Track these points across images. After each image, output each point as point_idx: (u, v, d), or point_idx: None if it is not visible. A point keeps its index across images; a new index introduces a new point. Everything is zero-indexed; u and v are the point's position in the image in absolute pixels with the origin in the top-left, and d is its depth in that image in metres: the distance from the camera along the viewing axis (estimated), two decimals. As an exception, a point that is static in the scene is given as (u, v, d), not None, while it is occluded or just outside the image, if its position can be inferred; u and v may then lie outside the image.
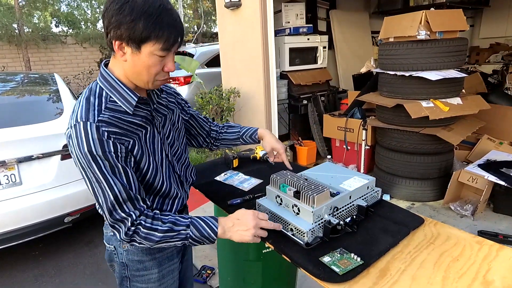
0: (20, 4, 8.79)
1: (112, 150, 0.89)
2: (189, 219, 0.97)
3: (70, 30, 9.86)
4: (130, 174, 0.93)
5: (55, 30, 9.85)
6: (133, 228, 0.92)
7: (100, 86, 0.96)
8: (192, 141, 1.37)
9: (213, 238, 0.97)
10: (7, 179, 2.29)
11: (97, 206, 0.97)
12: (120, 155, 0.91)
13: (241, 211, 1.01)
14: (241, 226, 0.97)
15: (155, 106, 1.07)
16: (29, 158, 2.34)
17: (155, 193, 1.05)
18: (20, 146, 2.33)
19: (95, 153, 0.87)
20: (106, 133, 0.88)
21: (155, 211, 0.97)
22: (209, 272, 2.32)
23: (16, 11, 8.50)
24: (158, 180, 1.04)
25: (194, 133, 1.34)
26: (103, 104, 0.92)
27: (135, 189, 0.94)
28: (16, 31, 8.58)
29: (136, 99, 0.96)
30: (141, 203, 0.95)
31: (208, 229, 0.97)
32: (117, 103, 0.94)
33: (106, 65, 0.99)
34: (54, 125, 2.50)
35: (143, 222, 0.93)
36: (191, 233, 0.95)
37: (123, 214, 0.92)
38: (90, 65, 9.85)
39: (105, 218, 0.95)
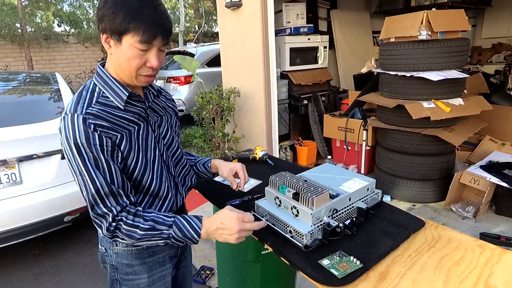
0: (23, 3, 8.80)
1: (98, 143, 0.89)
2: (173, 219, 0.95)
3: (72, 30, 9.89)
4: (113, 168, 0.92)
5: (57, 29, 9.89)
6: (114, 224, 0.91)
7: (94, 82, 0.98)
8: None
9: (196, 240, 0.95)
10: (7, 178, 2.29)
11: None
12: (106, 148, 0.91)
13: (225, 214, 0.96)
14: (225, 230, 0.94)
15: (150, 104, 1.07)
16: (30, 157, 2.34)
17: (144, 192, 1.04)
18: (20, 145, 2.33)
19: (80, 145, 0.88)
20: (92, 125, 0.89)
21: (137, 208, 0.95)
22: (208, 272, 2.31)
23: (19, 10, 8.52)
24: (147, 177, 1.02)
25: None
26: (94, 99, 0.94)
27: (118, 184, 0.92)
28: (19, 30, 8.62)
29: (127, 94, 0.97)
30: (124, 199, 0.94)
31: (192, 230, 0.94)
32: (109, 98, 0.96)
33: (103, 65, 1.01)
34: (55, 124, 2.49)
35: (124, 219, 0.91)
36: (173, 233, 0.93)
37: (104, 209, 0.91)
38: (91, 64, 9.87)
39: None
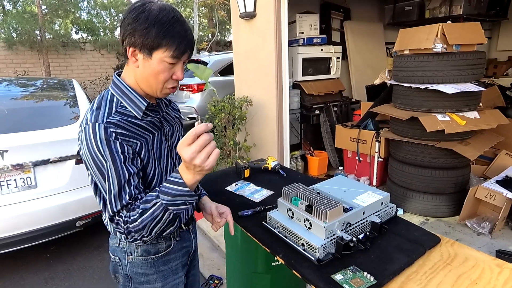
0: (43, 11, 9.08)
1: (119, 150, 0.91)
2: (158, 188, 0.90)
3: (89, 37, 10.12)
4: (132, 176, 0.93)
5: (74, 36, 10.13)
6: (125, 226, 0.91)
7: (111, 93, 1.01)
8: None
9: (187, 192, 0.87)
10: (23, 181, 2.34)
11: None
12: (127, 156, 0.93)
13: (183, 149, 0.82)
14: (194, 160, 0.81)
15: (163, 114, 1.10)
16: (45, 162, 2.39)
17: None
18: (36, 150, 2.38)
19: (102, 153, 0.90)
20: (114, 134, 0.91)
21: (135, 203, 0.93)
22: (217, 282, 2.29)
23: (39, 18, 8.78)
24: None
25: None
26: (113, 109, 0.96)
27: (129, 196, 0.92)
28: (38, 37, 8.87)
29: (146, 104, 1.00)
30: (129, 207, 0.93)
31: (175, 185, 0.87)
32: (127, 108, 0.99)
33: (119, 75, 1.04)
34: (70, 130, 2.54)
35: (128, 219, 0.91)
36: (163, 200, 0.87)
37: (117, 217, 0.93)
38: (106, 71, 10.07)
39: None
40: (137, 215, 0.90)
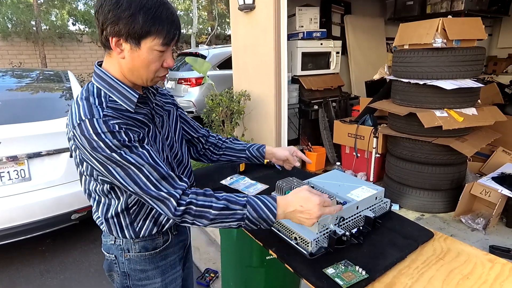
0: (39, 1, 8.98)
1: (126, 139, 0.85)
2: (246, 198, 0.90)
3: (86, 29, 10.04)
4: (152, 153, 0.89)
5: (71, 28, 10.04)
6: (182, 208, 0.86)
7: (97, 86, 0.92)
8: (190, 149, 1.30)
9: (271, 221, 0.89)
10: (17, 174, 2.32)
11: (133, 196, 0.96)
12: (135, 140, 0.88)
13: (306, 197, 0.89)
14: (304, 214, 0.88)
15: (153, 105, 1.04)
16: (39, 154, 2.37)
17: None
18: (31, 142, 2.36)
19: (111, 144, 0.83)
20: (116, 126, 0.85)
21: (206, 188, 0.92)
22: (213, 275, 2.30)
23: (34, 8, 8.69)
24: None
25: (188, 138, 1.26)
26: (104, 103, 0.89)
27: (164, 168, 0.89)
28: (34, 28, 8.78)
29: (137, 96, 0.94)
30: (178, 181, 0.90)
31: (267, 210, 0.89)
32: (117, 102, 0.91)
33: (100, 65, 0.96)
34: (64, 122, 2.52)
35: (194, 200, 0.87)
36: (248, 214, 0.88)
37: (163, 194, 0.86)
38: (104, 63, 10.01)
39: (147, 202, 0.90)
40: (214, 205, 0.87)
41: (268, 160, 1.71)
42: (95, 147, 0.83)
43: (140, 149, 0.87)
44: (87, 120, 0.84)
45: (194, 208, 0.87)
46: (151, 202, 0.88)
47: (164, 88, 1.23)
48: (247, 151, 1.31)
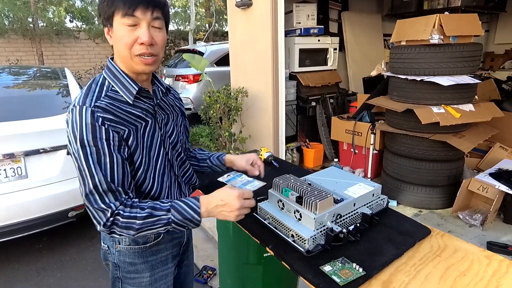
0: (35, -2, 8.92)
1: (104, 137, 0.89)
2: (169, 203, 0.93)
3: (84, 26, 9.97)
4: (116, 165, 0.90)
5: (69, 25, 9.97)
6: (111, 219, 0.88)
7: (103, 76, 0.99)
8: None
9: (197, 220, 0.93)
10: (13, 172, 2.31)
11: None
12: (112, 143, 0.90)
13: (226, 191, 0.95)
14: (225, 207, 0.93)
15: (158, 101, 1.07)
16: (36, 152, 2.36)
17: (145, 194, 1.02)
18: (27, 139, 2.34)
19: (85, 138, 0.87)
20: (100, 119, 0.89)
21: (133, 199, 0.93)
22: (210, 272, 2.30)
23: (31, 5, 8.62)
24: (149, 177, 1.01)
25: None
26: (103, 92, 0.94)
27: (118, 182, 0.90)
28: (31, 25, 8.71)
29: (137, 89, 0.98)
30: (123, 195, 0.92)
31: (191, 210, 0.92)
32: (119, 93, 0.96)
33: (113, 59, 1.02)
34: (62, 119, 2.51)
35: (121, 212, 0.89)
36: (173, 217, 0.91)
37: (102, 205, 0.88)
38: (101, 60, 9.95)
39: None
40: (138, 215, 0.89)
41: (265, 158, 1.71)
42: (74, 135, 0.88)
43: (107, 153, 0.89)
44: (78, 107, 0.89)
45: (121, 219, 0.89)
46: (89, 210, 0.91)
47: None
48: (208, 160, 1.34)
